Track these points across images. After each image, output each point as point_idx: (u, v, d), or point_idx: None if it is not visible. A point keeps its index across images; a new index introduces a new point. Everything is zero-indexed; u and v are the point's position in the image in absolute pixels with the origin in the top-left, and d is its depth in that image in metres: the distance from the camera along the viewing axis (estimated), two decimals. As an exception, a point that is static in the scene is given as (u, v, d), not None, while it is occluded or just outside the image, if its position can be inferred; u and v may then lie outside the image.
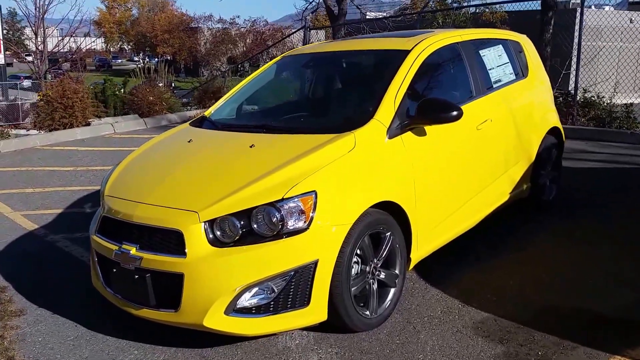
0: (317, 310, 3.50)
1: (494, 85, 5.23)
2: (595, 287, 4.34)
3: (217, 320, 3.37)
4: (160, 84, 14.44)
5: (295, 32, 20.33)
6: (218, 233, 3.41)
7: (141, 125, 12.78)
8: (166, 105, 13.60)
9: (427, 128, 4.22)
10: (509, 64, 5.58)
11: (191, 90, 18.01)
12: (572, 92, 11.28)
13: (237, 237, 3.39)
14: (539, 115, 5.88)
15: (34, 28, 21.09)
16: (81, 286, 4.56)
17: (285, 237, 3.38)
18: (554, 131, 6.05)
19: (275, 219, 3.37)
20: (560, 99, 11.32)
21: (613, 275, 4.52)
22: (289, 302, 3.43)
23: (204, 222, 3.41)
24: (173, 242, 3.45)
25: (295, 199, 3.42)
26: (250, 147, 4.00)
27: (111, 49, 71.90)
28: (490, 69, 5.25)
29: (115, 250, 3.67)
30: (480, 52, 5.26)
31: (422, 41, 4.71)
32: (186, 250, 3.38)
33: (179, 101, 14.79)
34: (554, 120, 6.10)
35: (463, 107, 4.48)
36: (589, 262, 4.80)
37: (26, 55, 26.09)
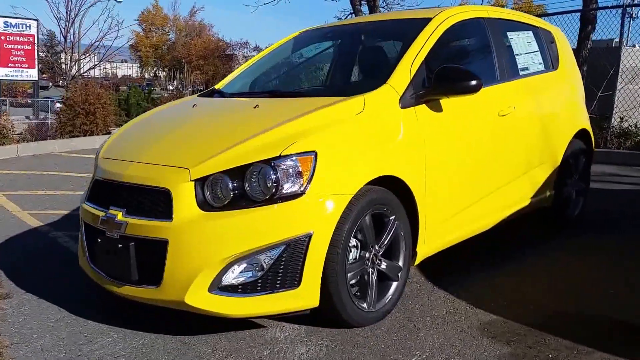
0: (308, 294, 3.21)
1: (521, 73, 4.91)
2: (614, 296, 4.02)
3: (199, 298, 3.11)
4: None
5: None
6: (208, 194, 3.16)
7: (162, 136, 12.69)
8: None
9: (443, 104, 3.93)
10: (539, 52, 5.23)
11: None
12: (608, 115, 10.91)
13: (228, 201, 3.14)
14: (567, 114, 5.48)
15: (64, 48, 21.28)
16: (73, 276, 4.37)
17: (279, 202, 3.12)
18: (583, 135, 5.64)
19: (270, 179, 3.11)
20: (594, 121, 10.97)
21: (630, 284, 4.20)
22: (278, 281, 3.15)
23: (195, 180, 3.17)
24: (161, 204, 3.21)
25: (294, 158, 3.16)
26: (255, 107, 3.78)
27: (146, 75, 72.85)
28: (517, 54, 4.93)
29: (101, 217, 3.44)
30: (508, 34, 4.96)
31: (444, 11, 4.45)
32: (173, 213, 3.14)
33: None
34: (584, 122, 5.67)
35: (485, 89, 4.16)
36: (610, 274, 4.47)
37: (63, 78, 26.40)
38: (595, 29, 11.90)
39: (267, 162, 3.13)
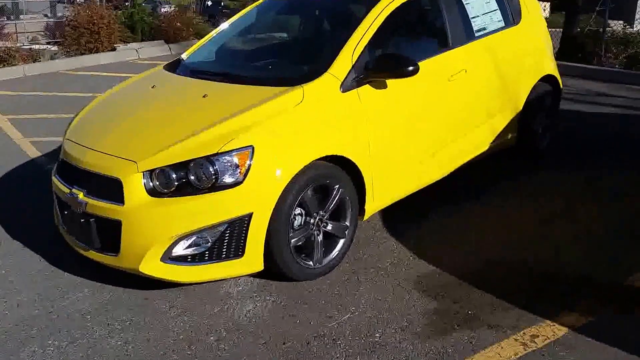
0: (252, 261, 3.60)
1: (477, 34, 5.09)
2: (556, 246, 4.31)
3: (152, 267, 3.50)
4: (191, 8, 14.36)
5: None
6: (156, 183, 3.49)
7: (166, 51, 12.85)
8: (193, 31, 13.59)
9: (388, 81, 4.18)
10: (498, 10, 5.38)
11: (237, 8, 17.92)
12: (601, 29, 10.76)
13: (174, 188, 3.47)
14: (530, 63, 5.71)
15: None
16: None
17: (221, 190, 3.45)
18: (548, 79, 5.89)
19: (209, 172, 3.43)
20: (585, 37, 10.83)
21: (576, 233, 4.49)
22: (224, 252, 3.53)
23: (143, 172, 3.50)
24: (114, 189, 3.54)
25: (231, 154, 3.46)
26: (203, 96, 4.04)
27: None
28: (473, 17, 5.08)
29: (67, 194, 3.81)
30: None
31: None
32: (124, 199, 3.48)
33: (207, 26, 14.72)
34: (549, 67, 5.92)
35: (434, 59, 4.53)
36: (561, 220, 4.74)
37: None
38: None
39: (207, 158, 3.45)
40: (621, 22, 12.97)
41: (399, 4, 4.51)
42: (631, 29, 11.11)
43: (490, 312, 3.51)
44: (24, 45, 13.27)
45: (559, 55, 10.48)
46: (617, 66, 10.43)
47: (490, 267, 4.04)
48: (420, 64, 4.12)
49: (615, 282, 3.82)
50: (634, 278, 3.84)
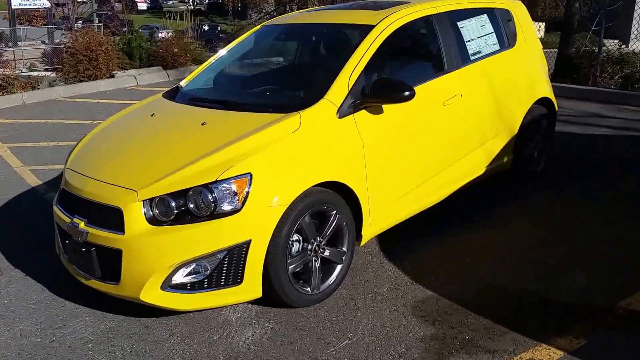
0: (250, 288, 3.64)
1: (472, 58, 5.16)
2: (551, 269, 4.36)
3: (153, 295, 3.54)
4: (188, 34, 14.49)
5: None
6: (156, 211, 3.55)
7: (164, 77, 12.97)
8: (191, 57, 13.71)
9: (384, 106, 4.24)
10: (493, 34, 5.47)
11: (234, 33, 18.15)
12: (596, 49, 10.85)
13: (173, 216, 3.52)
14: (525, 86, 5.77)
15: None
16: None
17: (219, 218, 3.50)
18: (543, 102, 5.96)
19: (208, 200, 3.48)
20: (580, 58, 10.92)
21: (570, 256, 4.53)
22: (223, 280, 3.57)
23: (143, 200, 3.55)
24: (114, 218, 3.60)
25: (229, 181, 3.52)
26: (202, 124, 4.10)
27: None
28: (468, 41, 5.17)
29: (68, 223, 3.86)
30: (459, 23, 5.18)
31: (389, 15, 4.67)
32: (125, 227, 3.54)
33: (204, 51, 14.85)
34: (544, 90, 5.98)
35: (429, 83, 4.60)
36: (555, 243, 4.79)
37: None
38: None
39: (206, 186, 3.51)
40: (617, 41, 13.12)
41: (394, 29, 4.60)
42: (627, 48, 11.21)
43: (488, 337, 3.55)
44: (22, 72, 13.42)
45: (554, 76, 10.59)
46: (612, 86, 10.52)
47: (486, 291, 4.08)
48: (416, 88, 4.19)
49: (609, 304, 3.86)
50: (627, 300, 3.88)
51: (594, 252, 4.60)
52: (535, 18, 5.97)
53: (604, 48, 10.99)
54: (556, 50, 11.83)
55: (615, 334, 3.56)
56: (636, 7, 10.98)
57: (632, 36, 12.35)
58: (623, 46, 11.92)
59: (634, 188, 6.06)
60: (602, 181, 6.20)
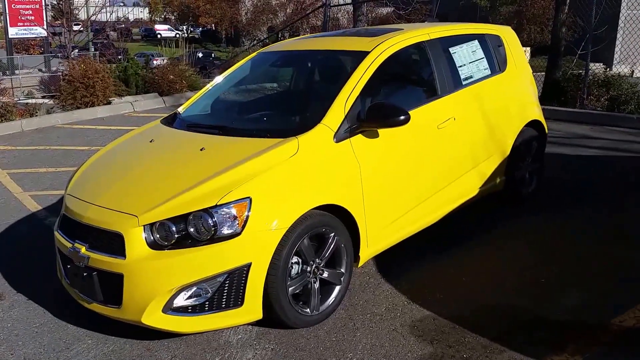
0: (251, 310, 3.71)
1: (464, 83, 5.30)
2: (545, 287, 4.44)
3: (155, 318, 3.60)
4: (183, 61, 14.66)
5: (317, 8, 20.22)
6: (157, 236, 3.62)
7: (160, 103, 13.09)
8: (186, 83, 13.85)
9: (379, 130, 4.35)
10: (484, 59, 5.62)
11: (228, 60, 18.32)
12: (583, 72, 11.04)
13: (174, 241, 3.60)
14: (516, 109, 5.91)
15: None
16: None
17: (220, 242, 3.57)
18: (534, 124, 6.08)
19: (208, 224, 3.56)
20: (567, 81, 11.07)
21: (564, 275, 4.61)
22: (224, 302, 3.63)
23: (143, 225, 3.63)
24: (115, 243, 3.67)
25: (229, 206, 3.60)
26: (201, 150, 4.19)
27: (156, 19, 72.43)
28: (460, 66, 5.30)
29: (69, 248, 3.93)
30: (451, 49, 5.32)
31: (384, 42, 4.80)
32: (126, 252, 3.61)
33: (199, 78, 15.01)
34: (534, 113, 6.12)
35: (423, 107, 4.70)
36: (548, 263, 4.87)
37: (74, 24, 26.45)
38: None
39: (206, 210, 3.58)
40: (601, 64, 13.33)
41: (388, 55, 4.72)
42: (611, 71, 11.39)
43: (485, 355, 3.62)
44: (20, 100, 13.52)
45: (543, 99, 10.75)
46: (599, 108, 10.69)
47: (483, 310, 4.15)
48: (410, 112, 4.30)
49: (602, 322, 3.93)
50: (619, 318, 3.96)
51: (586, 271, 4.68)
52: (521, 43, 6.12)
53: (589, 71, 11.20)
54: (543, 73, 12.04)
55: (610, 351, 3.63)
56: (619, 31, 11.20)
57: (616, 59, 12.53)
58: (607, 69, 12.06)
59: (624, 207, 6.17)
60: (593, 200, 6.31)
